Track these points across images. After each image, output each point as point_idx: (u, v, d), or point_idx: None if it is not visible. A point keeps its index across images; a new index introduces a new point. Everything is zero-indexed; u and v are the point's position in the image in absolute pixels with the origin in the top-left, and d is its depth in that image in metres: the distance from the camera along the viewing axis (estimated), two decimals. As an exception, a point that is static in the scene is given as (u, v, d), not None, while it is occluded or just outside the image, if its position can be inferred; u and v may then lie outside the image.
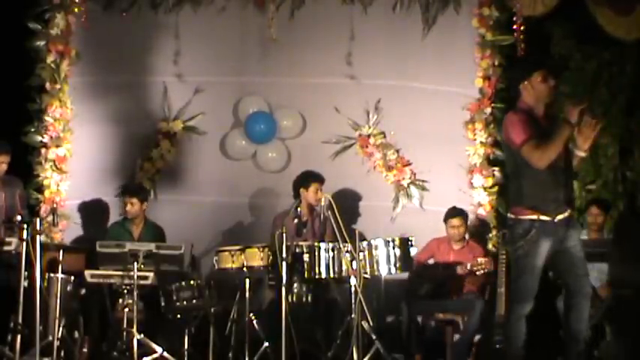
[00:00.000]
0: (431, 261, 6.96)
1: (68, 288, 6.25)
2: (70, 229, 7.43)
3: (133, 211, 6.96)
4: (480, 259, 6.61)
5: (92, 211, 7.52)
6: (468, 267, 6.63)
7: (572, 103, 4.98)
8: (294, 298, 6.32)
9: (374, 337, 6.15)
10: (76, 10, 7.43)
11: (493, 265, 6.54)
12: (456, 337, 6.71)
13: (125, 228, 7.01)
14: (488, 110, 7.41)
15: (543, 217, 4.94)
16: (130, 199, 6.95)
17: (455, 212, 6.88)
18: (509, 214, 5.09)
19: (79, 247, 7.04)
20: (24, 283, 5.51)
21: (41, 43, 7.48)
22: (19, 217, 5.64)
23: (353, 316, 6.03)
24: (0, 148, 6.75)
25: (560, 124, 4.91)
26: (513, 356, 5.12)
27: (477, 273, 6.62)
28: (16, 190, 6.78)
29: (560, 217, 4.97)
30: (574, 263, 5.07)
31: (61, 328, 6.01)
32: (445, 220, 6.90)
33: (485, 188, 7.38)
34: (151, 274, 6.25)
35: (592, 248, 5.91)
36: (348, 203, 7.29)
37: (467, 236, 6.99)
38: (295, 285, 6.35)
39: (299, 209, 6.44)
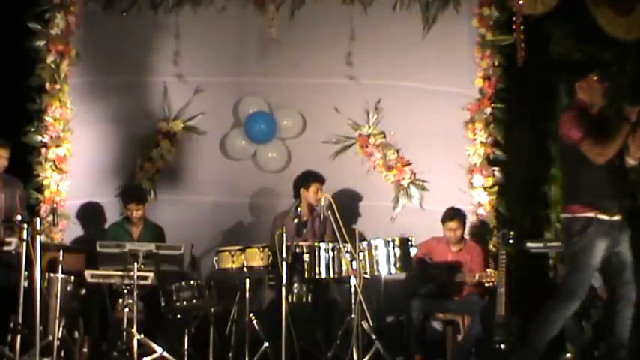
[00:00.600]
0: (428, 258, 6.95)
1: (68, 288, 6.25)
2: (70, 229, 7.43)
3: (138, 216, 6.96)
4: (490, 271, 6.60)
5: (92, 212, 7.52)
6: (476, 277, 6.60)
7: (630, 104, 5.02)
8: (294, 298, 6.32)
9: (374, 337, 6.15)
10: (73, 9, 7.43)
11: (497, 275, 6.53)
12: (458, 337, 6.72)
13: (124, 229, 7.01)
14: (488, 110, 7.41)
15: (600, 216, 4.99)
16: (136, 206, 6.94)
17: (451, 215, 6.84)
18: (564, 214, 5.13)
19: (79, 247, 7.04)
20: (24, 283, 5.51)
21: (41, 43, 7.47)
22: (19, 217, 5.64)
23: (353, 316, 6.04)
24: None
25: (620, 122, 4.92)
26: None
27: (486, 285, 6.61)
28: (16, 190, 6.78)
29: (616, 217, 5.00)
30: (623, 269, 5.08)
31: (61, 328, 6.02)
32: (442, 222, 6.88)
33: (485, 188, 7.37)
34: (151, 274, 6.25)
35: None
36: (348, 203, 7.29)
37: (466, 237, 6.98)
38: (295, 285, 6.34)
39: (299, 209, 6.45)
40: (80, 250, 6.78)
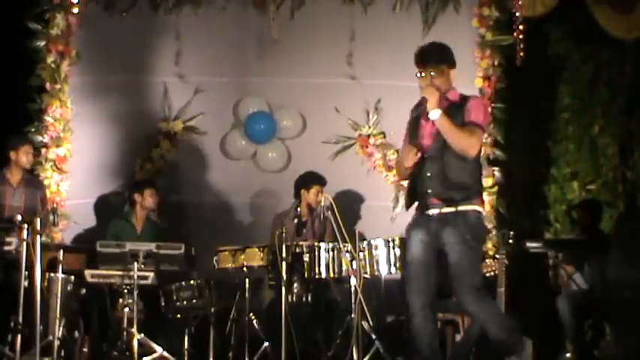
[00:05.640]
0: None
1: (68, 288, 6.25)
2: (70, 229, 7.43)
3: (151, 203, 7.00)
4: (489, 261, 6.60)
5: (92, 211, 7.53)
6: None
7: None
8: (294, 298, 6.32)
9: (374, 337, 6.15)
10: (74, 9, 7.44)
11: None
12: (458, 337, 6.71)
13: (129, 222, 7.03)
14: (488, 110, 7.41)
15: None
16: (152, 192, 6.99)
17: None
18: (476, 207, 4.81)
19: (79, 247, 7.03)
20: (24, 283, 5.51)
21: (41, 43, 7.48)
22: (19, 217, 5.65)
23: (353, 316, 6.03)
24: (20, 139, 6.88)
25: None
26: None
27: (487, 275, 6.60)
28: (37, 191, 6.83)
29: None
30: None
31: (61, 328, 6.01)
32: None
33: (485, 188, 7.37)
34: (151, 274, 6.25)
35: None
36: (348, 203, 7.29)
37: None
38: (295, 285, 6.34)
39: (299, 209, 6.44)
40: (80, 250, 6.78)
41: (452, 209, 4.75)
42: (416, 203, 4.92)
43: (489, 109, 4.86)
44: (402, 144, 5.09)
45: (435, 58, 4.84)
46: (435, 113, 4.70)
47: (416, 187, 4.89)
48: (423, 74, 4.82)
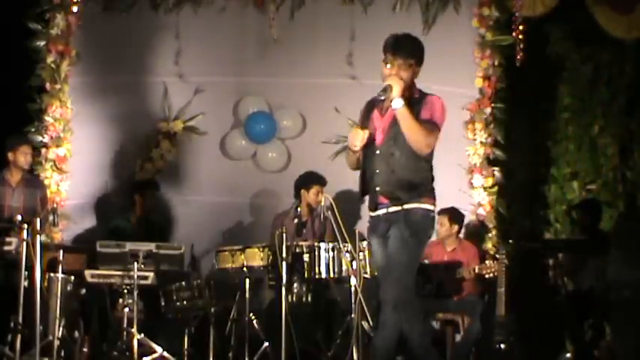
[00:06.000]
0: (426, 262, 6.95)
1: (68, 288, 6.24)
2: (70, 229, 7.43)
3: (152, 205, 7.01)
4: (489, 262, 6.60)
5: (92, 211, 7.53)
6: (475, 270, 6.61)
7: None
8: (294, 298, 6.32)
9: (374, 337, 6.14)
10: (74, 8, 7.44)
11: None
12: (457, 337, 6.72)
13: (129, 221, 7.05)
14: (488, 110, 7.41)
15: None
16: (153, 191, 7.02)
17: (442, 210, 6.86)
18: (424, 205, 4.64)
19: (79, 247, 7.04)
20: (24, 283, 5.51)
21: (41, 43, 7.48)
22: (19, 217, 5.65)
23: (353, 316, 6.03)
24: (18, 139, 6.87)
25: None
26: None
27: (487, 276, 6.60)
28: (37, 192, 6.83)
29: None
30: None
31: (61, 328, 6.01)
32: None
33: (485, 188, 7.38)
34: (151, 274, 6.25)
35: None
36: (348, 203, 7.27)
37: (461, 236, 6.98)
38: (295, 285, 6.34)
39: (299, 209, 6.44)
40: (80, 250, 6.78)
41: (398, 208, 4.63)
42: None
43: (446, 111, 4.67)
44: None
45: (406, 50, 4.70)
46: (398, 102, 4.52)
47: (367, 181, 4.76)
48: (390, 63, 4.65)
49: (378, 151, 4.66)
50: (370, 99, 4.83)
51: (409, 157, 4.59)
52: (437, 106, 4.66)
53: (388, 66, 4.66)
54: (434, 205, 4.69)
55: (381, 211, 4.71)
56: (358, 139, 4.64)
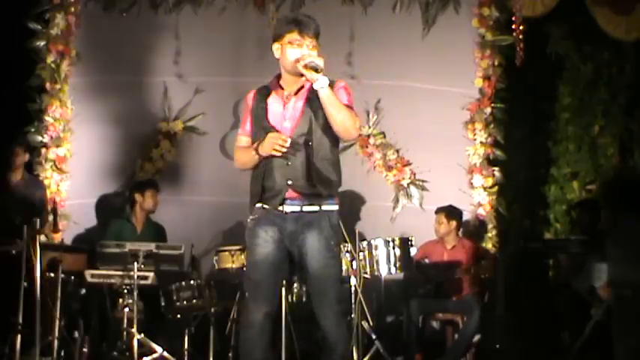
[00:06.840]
0: (426, 261, 6.96)
1: (68, 288, 6.25)
2: (70, 229, 7.43)
3: (152, 204, 7.00)
4: (485, 263, 6.60)
5: (92, 211, 7.53)
6: (472, 271, 6.61)
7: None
8: (294, 298, 6.32)
9: (374, 337, 6.15)
10: (73, 9, 7.44)
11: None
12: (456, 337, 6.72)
13: (129, 221, 7.03)
14: (488, 110, 7.41)
15: None
16: (153, 192, 6.98)
17: (439, 209, 6.87)
18: (337, 207, 4.22)
19: (79, 247, 7.04)
20: (24, 283, 5.51)
21: (41, 43, 7.48)
22: (19, 217, 5.65)
23: (353, 316, 6.04)
24: (15, 140, 6.82)
25: None
26: None
27: (483, 277, 6.60)
28: (35, 192, 6.81)
29: None
30: None
31: (61, 328, 6.01)
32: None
33: (485, 188, 7.38)
34: (151, 274, 6.25)
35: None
36: (348, 203, 7.29)
37: (460, 234, 6.98)
38: (295, 285, 6.34)
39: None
40: (80, 250, 6.78)
41: (315, 208, 4.12)
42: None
43: None
44: (238, 136, 4.44)
45: (318, 32, 4.26)
46: (324, 80, 4.08)
47: (269, 176, 4.18)
48: (311, 43, 4.25)
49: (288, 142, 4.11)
50: (257, 88, 4.49)
51: (326, 148, 4.15)
52: (349, 91, 4.26)
53: (308, 46, 4.26)
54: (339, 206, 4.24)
55: (290, 208, 4.14)
56: (276, 145, 4.09)
